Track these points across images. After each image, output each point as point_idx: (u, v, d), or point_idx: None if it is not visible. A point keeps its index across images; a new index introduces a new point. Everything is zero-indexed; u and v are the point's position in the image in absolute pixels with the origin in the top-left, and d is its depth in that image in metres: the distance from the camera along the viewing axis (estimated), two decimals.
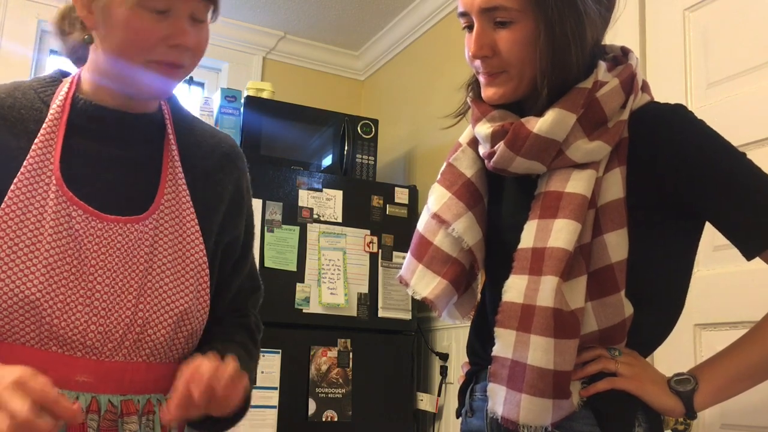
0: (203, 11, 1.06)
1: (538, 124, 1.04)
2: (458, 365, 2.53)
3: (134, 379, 1.07)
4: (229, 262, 1.22)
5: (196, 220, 1.13)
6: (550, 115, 1.04)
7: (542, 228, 1.04)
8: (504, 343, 1.03)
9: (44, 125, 1.09)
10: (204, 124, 1.27)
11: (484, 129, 1.11)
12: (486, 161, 1.14)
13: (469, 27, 1.10)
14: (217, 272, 1.19)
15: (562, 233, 1.01)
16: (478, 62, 1.10)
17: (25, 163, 1.06)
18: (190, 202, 1.14)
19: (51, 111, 1.11)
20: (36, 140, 1.08)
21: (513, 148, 1.06)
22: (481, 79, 1.12)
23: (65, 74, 1.19)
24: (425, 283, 1.13)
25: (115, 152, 1.12)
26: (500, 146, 1.08)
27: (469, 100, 1.18)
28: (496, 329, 1.04)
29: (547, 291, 0.99)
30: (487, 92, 1.11)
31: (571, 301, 1.00)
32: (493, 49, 1.07)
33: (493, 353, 1.05)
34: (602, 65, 1.08)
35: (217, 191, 1.19)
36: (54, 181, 1.06)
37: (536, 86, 1.07)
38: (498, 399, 1.03)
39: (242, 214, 1.24)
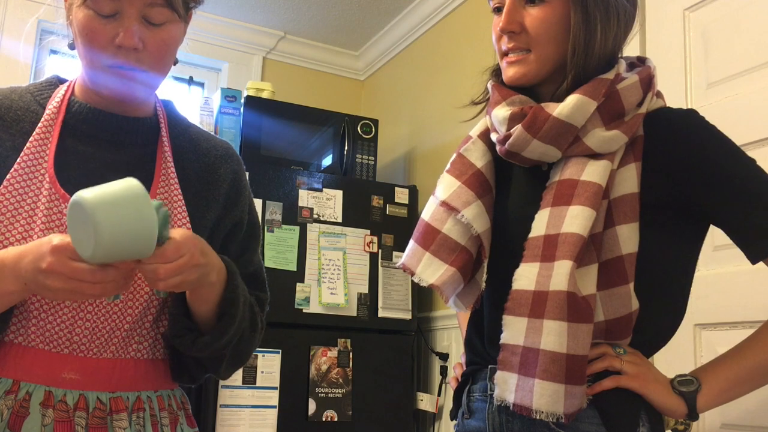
0: (158, 14, 1.06)
1: (559, 108, 1.06)
2: None
3: (123, 376, 1.07)
4: (225, 251, 1.20)
5: (187, 219, 1.13)
6: (572, 99, 1.06)
7: (555, 215, 1.04)
8: (514, 331, 1.03)
9: (39, 125, 1.10)
10: (200, 130, 1.27)
11: (502, 112, 1.12)
12: (499, 147, 1.14)
13: (498, 9, 1.14)
14: None
15: (577, 219, 1.01)
16: (504, 41, 1.12)
17: (18, 160, 1.07)
18: (183, 202, 1.14)
19: (47, 112, 1.12)
20: (31, 139, 1.09)
21: (531, 131, 1.07)
22: (504, 62, 1.13)
23: (62, 80, 1.20)
24: (432, 271, 1.12)
25: (109, 155, 1.13)
26: (517, 129, 1.09)
27: (489, 85, 1.19)
28: (504, 317, 1.04)
29: (561, 275, 0.99)
30: (508, 72, 1.12)
31: (583, 288, 1.00)
32: (522, 26, 1.10)
33: (501, 341, 1.05)
34: (622, 62, 1.12)
35: (210, 190, 1.19)
36: (47, 179, 1.06)
37: (557, 73, 1.10)
38: (509, 386, 1.03)
39: (239, 204, 1.23)
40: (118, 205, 0.86)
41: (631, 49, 1.49)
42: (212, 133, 1.31)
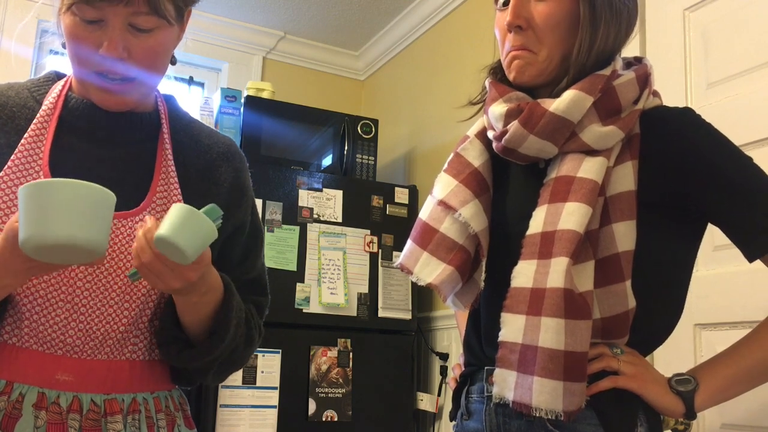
0: (145, 21, 1.03)
1: (555, 103, 1.06)
2: None
3: (118, 377, 1.06)
4: (227, 255, 1.19)
5: None
6: (568, 95, 1.06)
7: (552, 212, 1.04)
8: (512, 329, 1.03)
9: (35, 121, 1.09)
10: (202, 125, 1.25)
11: (499, 108, 1.12)
12: (495, 144, 1.14)
13: (505, 2, 1.13)
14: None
15: (573, 216, 1.01)
16: (509, 38, 1.12)
17: (13, 157, 1.05)
18: (181, 199, 1.12)
19: (43, 108, 1.10)
20: (26, 135, 1.07)
21: (527, 126, 1.07)
22: (509, 59, 1.13)
23: (61, 75, 1.19)
24: (430, 270, 1.12)
25: (107, 151, 1.11)
26: (514, 124, 1.09)
27: (487, 82, 1.19)
28: (503, 315, 1.04)
29: (557, 272, 0.99)
30: (514, 71, 1.12)
31: (579, 285, 1.00)
32: (529, 22, 1.09)
33: (499, 339, 1.04)
34: (619, 59, 1.12)
35: (211, 188, 1.17)
36: (42, 175, 1.05)
37: (558, 71, 1.10)
38: (508, 384, 1.02)
39: (242, 206, 1.21)
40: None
41: (631, 49, 1.49)
42: (215, 129, 1.29)
